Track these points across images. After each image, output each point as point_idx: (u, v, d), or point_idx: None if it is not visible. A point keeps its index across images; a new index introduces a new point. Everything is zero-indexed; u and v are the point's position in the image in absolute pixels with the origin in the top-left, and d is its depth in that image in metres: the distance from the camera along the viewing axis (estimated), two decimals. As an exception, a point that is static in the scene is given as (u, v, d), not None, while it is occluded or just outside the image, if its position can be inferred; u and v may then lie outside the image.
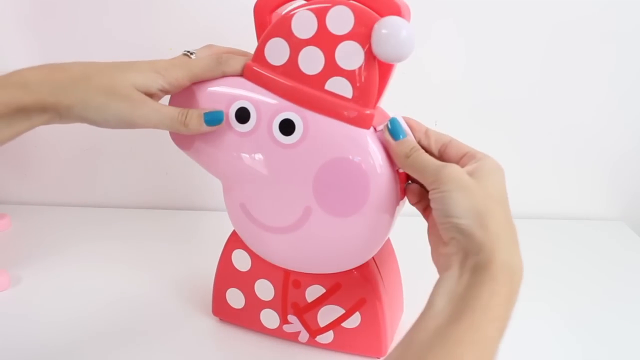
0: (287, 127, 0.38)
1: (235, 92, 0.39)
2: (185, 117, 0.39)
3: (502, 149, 0.72)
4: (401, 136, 0.36)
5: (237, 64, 0.39)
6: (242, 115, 0.39)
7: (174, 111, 0.39)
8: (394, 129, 0.36)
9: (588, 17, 0.63)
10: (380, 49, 0.35)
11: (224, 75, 0.40)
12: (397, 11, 0.35)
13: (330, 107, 0.37)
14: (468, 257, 0.31)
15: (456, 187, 0.32)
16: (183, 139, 0.42)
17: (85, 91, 0.36)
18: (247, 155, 0.40)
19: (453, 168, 0.33)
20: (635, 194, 0.72)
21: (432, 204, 0.34)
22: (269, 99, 0.39)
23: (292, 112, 0.38)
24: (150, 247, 0.64)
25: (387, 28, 0.34)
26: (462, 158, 0.36)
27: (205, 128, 0.39)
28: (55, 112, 0.36)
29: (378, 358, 0.45)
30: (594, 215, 0.74)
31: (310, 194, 0.39)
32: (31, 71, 0.36)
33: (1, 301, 0.54)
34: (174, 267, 0.60)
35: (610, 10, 0.62)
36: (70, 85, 0.36)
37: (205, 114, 0.39)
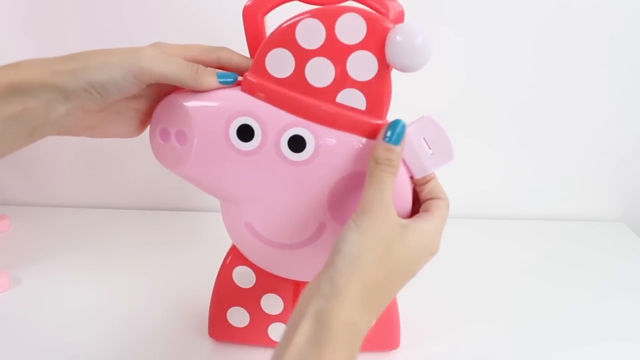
0: (297, 143, 0.36)
1: (235, 107, 0.36)
2: (197, 69, 0.35)
3: (503, 150, 0.72)
4: (393, 142, 0.33)
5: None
6: (245, 133, 0.36)
7: (183, 60, 0.35)
8: (395, 133, 0.33)
9: (588, 19, 0.62)
10: (396, 58, 0.33)
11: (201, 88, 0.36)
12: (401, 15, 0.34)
13: (343, 121, 0.35)
14: (317, 297, 0.30)
15: (365, 227, 0.31)
16: (173, 157, 0.38)
17: (82, 57, 0.33)
18: (253, 175, 0.37)
19: (389, 217, 0.32)
20: (636, 195, 0.73)
21: None
22: (274, 114, 0.36)
23: (302, 128, 0.36)
24: (151, 248, 0.64)
25: (402, 35, 0.33)
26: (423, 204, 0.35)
27: (216, 84, 0.36)
28: (55, 88, 0.32)
29: (393, 350, 0.46)
30: (594, 216, 0.73)
31: (325, 210, 0.37)
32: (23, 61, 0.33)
33: (1, 302, 0.53)
34: (175, 267, 0.60)
35: (610, 11, 0.62)
36: (65, 59, 0.33)
37: (219, 73, 0.36)
